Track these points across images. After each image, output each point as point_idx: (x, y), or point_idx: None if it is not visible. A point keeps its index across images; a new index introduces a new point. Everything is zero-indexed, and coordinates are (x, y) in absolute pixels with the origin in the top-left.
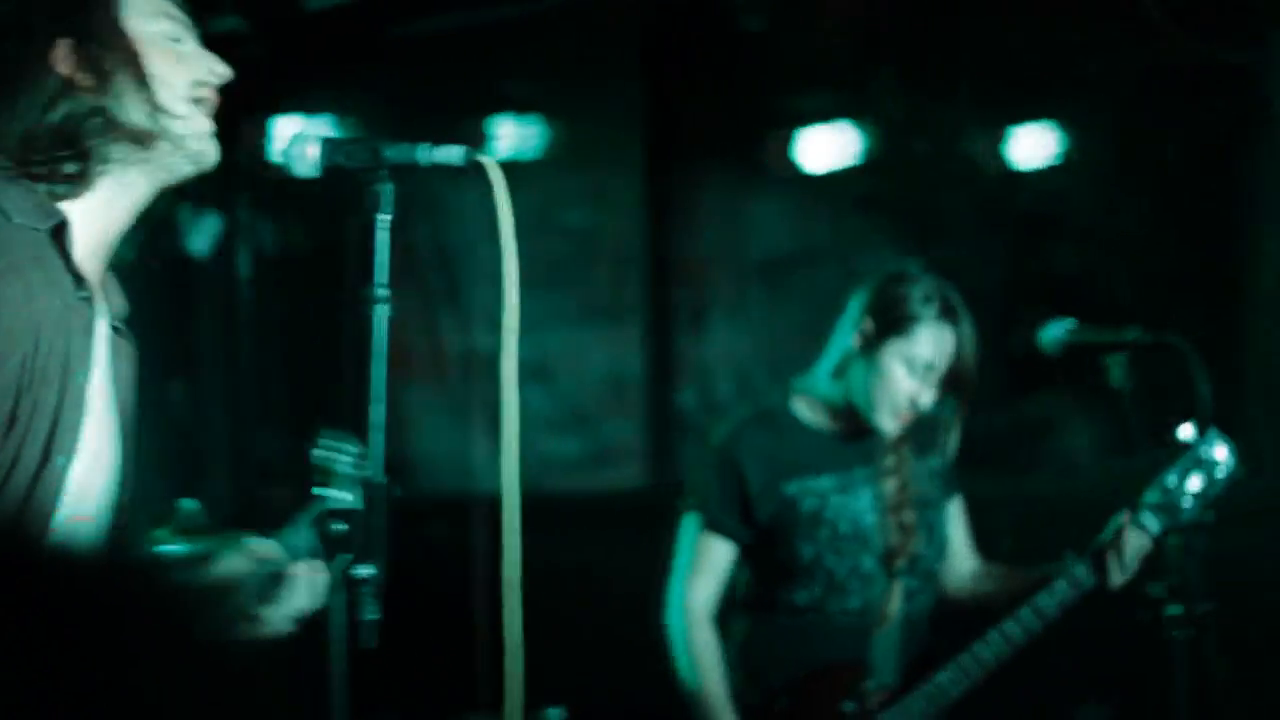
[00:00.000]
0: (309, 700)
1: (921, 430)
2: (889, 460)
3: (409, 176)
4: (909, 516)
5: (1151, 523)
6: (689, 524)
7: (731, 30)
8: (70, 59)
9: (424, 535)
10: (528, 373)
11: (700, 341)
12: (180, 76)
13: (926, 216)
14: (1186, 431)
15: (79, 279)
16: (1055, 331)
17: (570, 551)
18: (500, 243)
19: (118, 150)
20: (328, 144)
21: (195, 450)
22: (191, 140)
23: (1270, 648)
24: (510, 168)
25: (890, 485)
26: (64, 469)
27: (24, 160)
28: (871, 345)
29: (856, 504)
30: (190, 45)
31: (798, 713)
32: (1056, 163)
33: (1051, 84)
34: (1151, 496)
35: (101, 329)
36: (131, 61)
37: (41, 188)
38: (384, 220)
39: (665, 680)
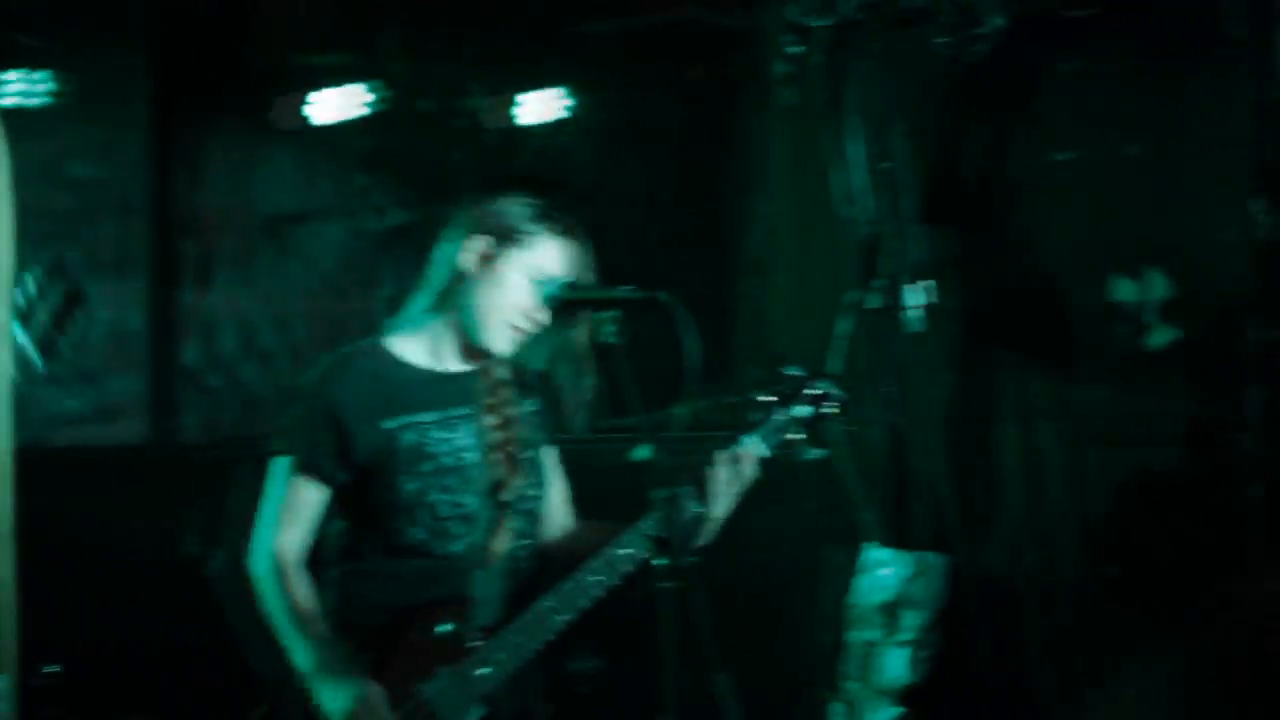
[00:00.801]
0: None
1: (520, 371)
2: (490, 399)
3: None
4: (513, 452)
5: (757, 445)
6: (276, 469)
7: None
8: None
9: None
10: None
11: (205, 296)
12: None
13: (431, 173)
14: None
15: None
16: (548, 288)
17: (75, 506)
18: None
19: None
20: None
21: None
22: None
23: (753, 600)
24: (14, 117)
25: (492, 421)
26: None
27: None
28: (489, 261)
29: (459, 440)
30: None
31: (389, 650)
32: (560, 121)
33: (552, 44)
34: (756, 418)
35: None
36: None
37: None
38: None
39: (170, 630)
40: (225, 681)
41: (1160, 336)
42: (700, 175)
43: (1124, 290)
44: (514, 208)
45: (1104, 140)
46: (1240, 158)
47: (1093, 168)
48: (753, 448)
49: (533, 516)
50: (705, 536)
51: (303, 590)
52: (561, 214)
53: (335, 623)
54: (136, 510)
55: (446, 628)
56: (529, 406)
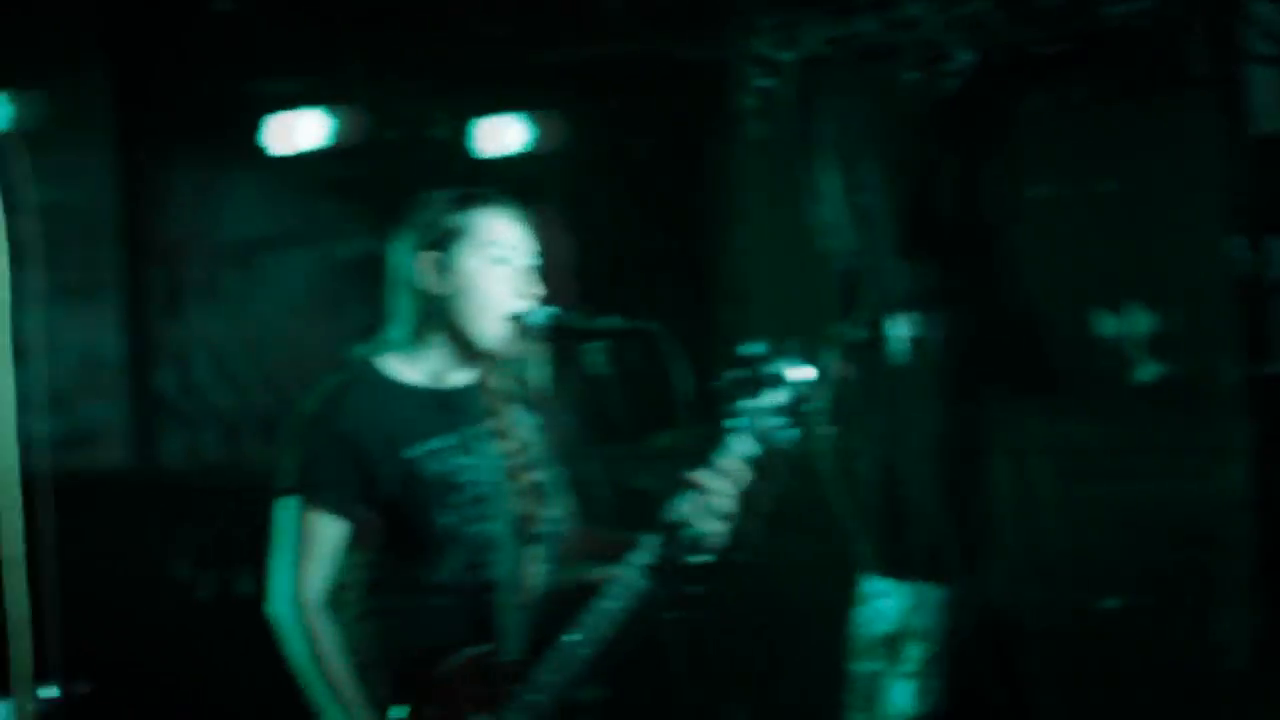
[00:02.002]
0: None
1: (522, 385)
2: (496, 420)
3: None
4: (532, 475)
5: (742, 445)
6: (287, 507)
7: (203, 11)
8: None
9: None
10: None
11: (176, 323)
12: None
13: (397, 201)
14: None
15: None
16: (538, 317)
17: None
18: None
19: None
20: None
21: None
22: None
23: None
24: None
25: (508, 446)
26: None
27: None
28: (444, 268)
29: (480, 464)
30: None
31: (420, 690)
32: (525, 150)
33: (515, 74)
34: (734, 423)
35: None
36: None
37: None
38: None
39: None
40: (216, 706)
41: (1146, 371)
42: (671, 206)
43: (1107, 325)
44: (438, 205)
45: (1078, 175)
46: (1215, 194)
47: (1069, 202)
48: (738, 449)
49: (555, 540)
50: (709, 552)
51: (326, 633)
52: (479, 191)
53: (361, 661)
54: (122, 535)
55: (476, 662)
56: (533, 421)
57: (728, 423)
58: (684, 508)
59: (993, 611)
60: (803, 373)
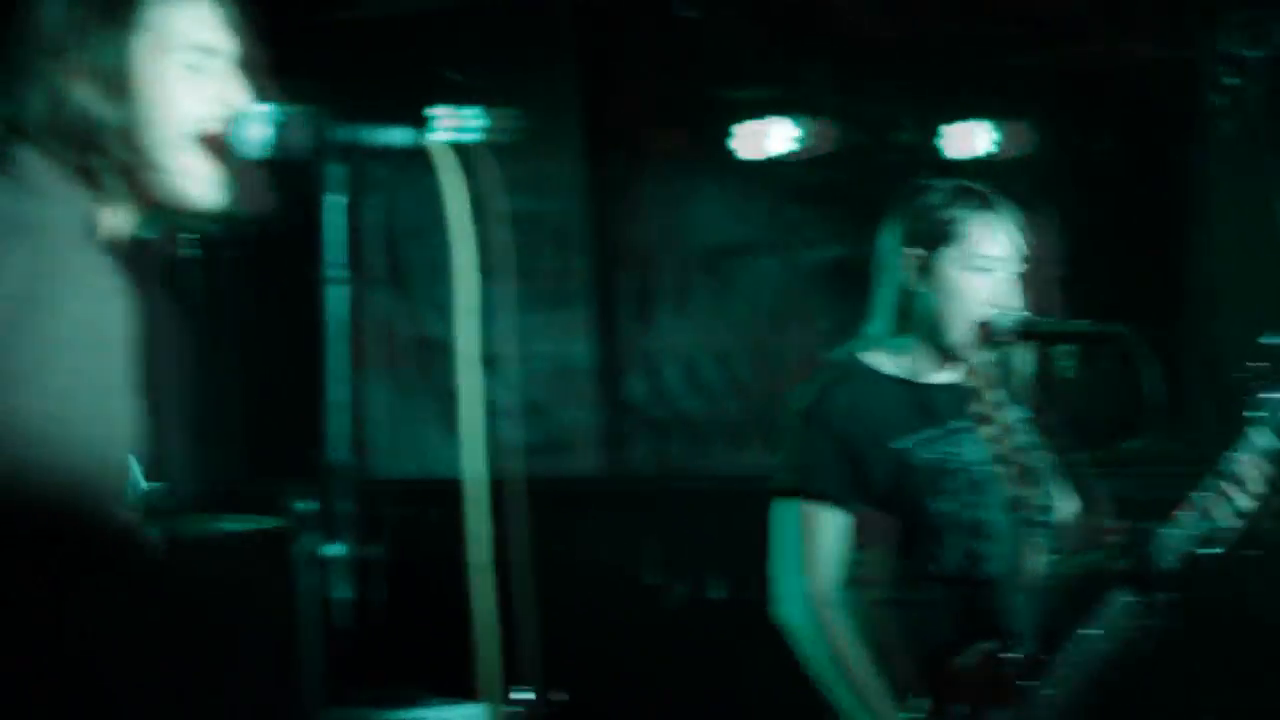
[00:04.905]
0: (283, 678)
1: (1005, 376)
2: (981, 408)
3: (358, 158)
4: (1020, 461)
5: (1262, 439)
6: (787, 506)
7: (668, 17)
8: (94, 68)
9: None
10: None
11: (646, 330)
12: (187, 110)
13: (865, 207)
14: None
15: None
16: (1007, 322)
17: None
18: (450, 226)
19: (120, 175)
20: (277, 124)
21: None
22: (181, 180)
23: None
24: (449, 153)
25: (991, 431)
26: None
27: (46, 148)
28: (927, 268)
29: (968, 453)
30: (214, 71)
31: (930, 684)
32: (990, 156)
33: (982, 79)
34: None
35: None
36: (138, 92)
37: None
38: (335, 201)
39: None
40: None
41: None
42: (1138, 208)
43: None
44: (930, 202)
45: None
46: None
47: None
48: (1259, 443)
49: (1052, 529)
50: (1223, 547)
51: (844, 629)
52: (978, 189)
53: (875, 657)
54: (593, 541)
55: (993, 657)
56: (1019, 413)
57: (1248, 415)
58: (1203, 503)
59: None
60: None
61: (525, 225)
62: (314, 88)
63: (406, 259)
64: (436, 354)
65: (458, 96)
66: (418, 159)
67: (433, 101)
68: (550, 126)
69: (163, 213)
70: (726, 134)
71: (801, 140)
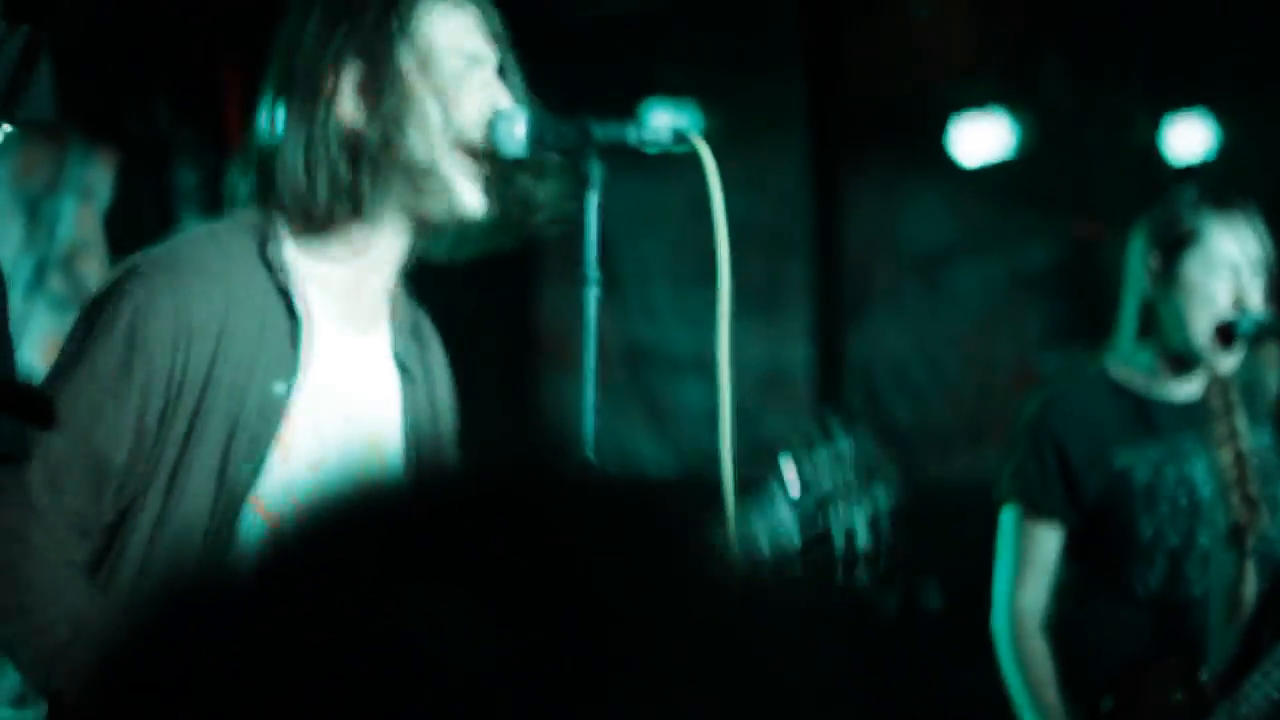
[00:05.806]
0: None
1: (1252, 397)
2: (1220, 427)
3: (610, 157)
4: (1253, 489)
5: None
6: (1008, 515)
7: (899, 14)
8: (360, 83)
9: None
10: (689, 365)
11: (861, 335)
12: (470, 109)
13: (1092, 207)
14: None
15: (285, 293)
16: (1248, 325)
17: None
18: (713, 220)
19: (389, 195)
20: (536, 122)
21: None
22: (457, 185)
23: None
24: (671, 156)
25: (1226, 455)
26: (251, 474)
27: (296, 217)
28: (1168, 274)
29: (1192, 474)
30: (480, 78)
31: (1123, 710)
32: (1221, 154)
33: (1212, 72)
34: None
35: (327, 347)
36: (427, 86)
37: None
38: (594, 200)
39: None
40: None
41: None
42: None
43: None
44: (1171, 205)
45: None
46: None
47: None
48: None
49: (1271, 561)
50: None
51: (1039, 654)
52: (1218, 190)
53: (1063, 674)
54: None
55: (1182, 684)
56: (1263, 438)
57: None
58: None
59: None
60: None
61: (743, 228)
62: (551, 88)
63: (616, 261)
64: (644, 359)
65: (677, 96)
66: (634, 159)
67: (652, 101)
68: (773, 128)
69: (437, 228)
70: (946, 133)
71: (1021, 139)
